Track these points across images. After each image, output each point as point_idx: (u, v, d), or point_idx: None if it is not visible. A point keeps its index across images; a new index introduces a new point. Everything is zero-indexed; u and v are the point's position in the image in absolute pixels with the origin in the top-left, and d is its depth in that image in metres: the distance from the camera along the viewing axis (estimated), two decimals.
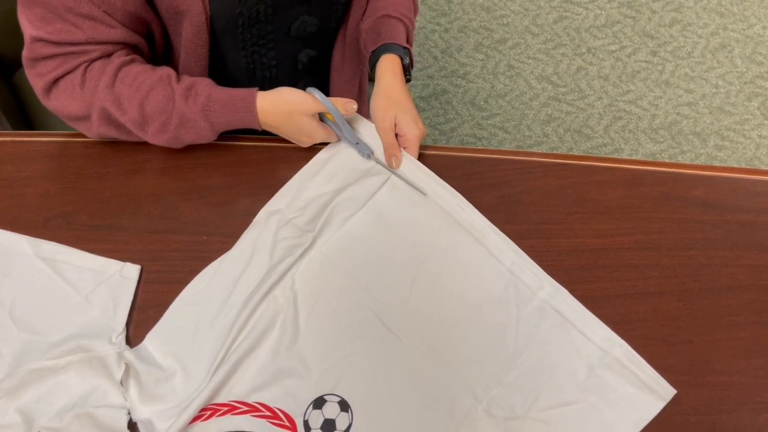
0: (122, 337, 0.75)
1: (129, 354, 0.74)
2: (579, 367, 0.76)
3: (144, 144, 0.85)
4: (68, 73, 0.77)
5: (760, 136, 1.89)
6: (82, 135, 0.87)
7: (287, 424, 0.71)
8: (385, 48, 0.89)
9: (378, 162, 0.86)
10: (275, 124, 0.83)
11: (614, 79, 1.94)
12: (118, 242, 0.80)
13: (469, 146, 1.78)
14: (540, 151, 1.78)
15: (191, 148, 0.86)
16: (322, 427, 0.71)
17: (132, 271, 0.78)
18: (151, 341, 0.75)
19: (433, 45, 1.96)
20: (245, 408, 0.71)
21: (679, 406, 0.75)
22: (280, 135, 0.86)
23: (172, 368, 0.73)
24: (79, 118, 0.80)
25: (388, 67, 0.88)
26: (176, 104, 0.79)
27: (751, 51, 2.03)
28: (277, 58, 0.91)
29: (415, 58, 1.93)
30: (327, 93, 1.05)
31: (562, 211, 0.86)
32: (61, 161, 0.86)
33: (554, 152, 1.79)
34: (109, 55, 0.79)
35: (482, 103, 1.87)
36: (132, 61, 0.80)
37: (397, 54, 0.89)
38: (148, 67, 0.80)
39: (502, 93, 1.89)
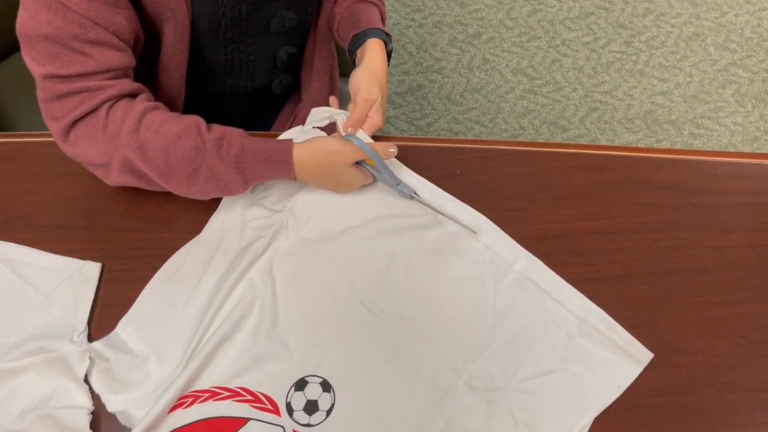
0: (84, 336, 0.74)
1: (99, 344, 0.73)
2: (557, 336, 0.77)
3: None
4: (87, 114, 0.72)
5: (734, 123, 1.90)
6: (41, 135, 0.87)
7: (269, 407, 0.72)
8: (371, 32, 0.89)
9: (422, 202, 0.83)
10: (311, 176, 0.80)
11: (589, 71, 1.95)
12: (80, 242, 0.80)
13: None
14: None
15: None
16: (304, 409, 0.72)
17: (93, 269, 0.78)
18: (123, 328, 0.75)
19: (407, 41, 1.96)
20: (227, 393, 0.72)
21: (646, 388, 0.76)
22: (314, 185, 0.84)
23: (146, 354, 0.73)
24: (98, 165, 0.76)
25: (377, 49, 0.88)
26: (207, 155, 0.74)
27: (724, 39, 2.04)
28: (255, 54, 0.91)
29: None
30: (299, 89, 1.05)
31: (526, 198, 0.87)
32: (21, 162, 0.85)
33: (517, 140, 1.80)
34: (132, 96, 0.75)
35: (458, 97, 1.87)
36: (156, 108, 0.75)
37: (381, 39, 0.89)
38: (174, 114, 0.76)
39: (477, 87, 1.89)
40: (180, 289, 0.77)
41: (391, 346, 0.76)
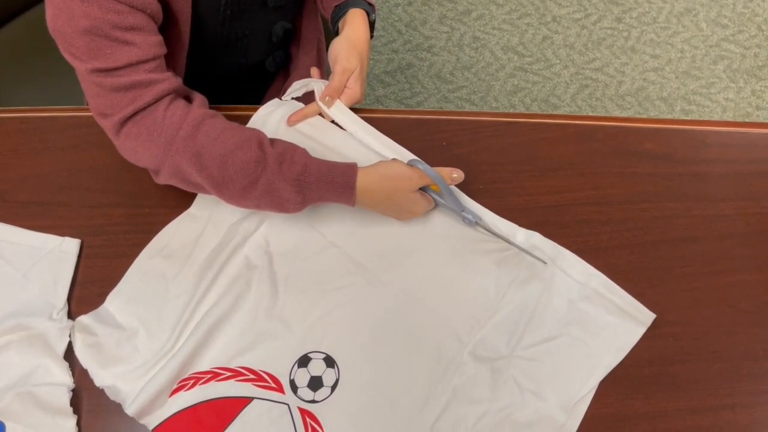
0: (63, 313, 0.73)
1: (86, 318, 0.73)
2: (559, 302, 0.77)
3: (82, 117, 0.82)
4: (140, 111, 0.69)
5: (726, 99, 1.89)
6: (17, 111, 0.85)
7: (273, 385, 0.71)
8: (353, 2, 0.87)
9: (486, 229, 0.80)
10: (374, 202, 0.77)
11: (580, 47, 1.93)
12: (58, 218, 0.78)
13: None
14: None
15: None
16: (309, 385, 0.72)
17: (72, 245, 0.76)
18: (112, 302, 0.74)
19: (397, 19, 1.94)
20: (229, 373, 0.71)
21: (633, 359, 0.75)
22: (375, 212, 0.80)
23: (134, 328, 0.73)
24: (148, 167, 0.74)
25: (358, 18, 0.86)
26: (267, 169, 0.71)
27: (716, 14, 2.02)
28: (251, 29, 0.90)
29: (379, 33, 1.91)
30: (288, 64, 1.03)
31: (512, 170, 0.86)
32: None
33: (503, 111, 1.79)
34: (178, 92, 0.73)
35: (448, 75, 1.85)
36: (215, 116, 0.73)
37: (364, 9, 0.87)
38: (234, 124, 0.74)
39: (467, 65, 1.87)
40: (169, 263, 0.76)
41: (393, 318, 0.75)
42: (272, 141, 0.74)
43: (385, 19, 1.93)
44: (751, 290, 0.80)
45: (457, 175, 0.78)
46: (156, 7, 0.69)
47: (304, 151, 0.74)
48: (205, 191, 0.74)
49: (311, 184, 0.73)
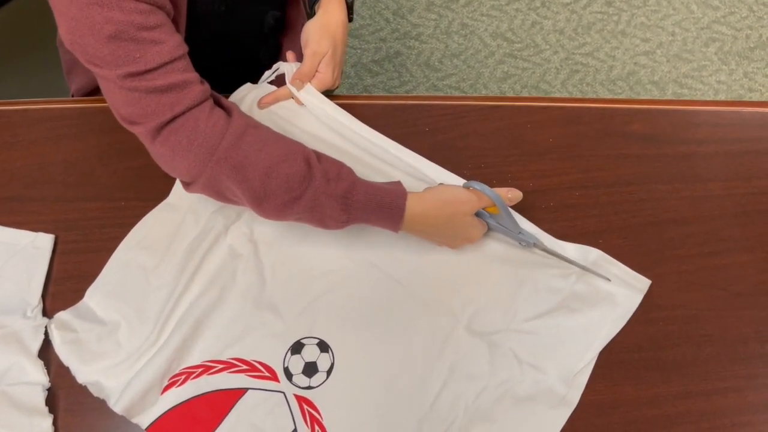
0: (38, 311, 0.72)
1: (65, 314, 0.71)
2: (555, 275, 0.76)
3: (54, 109, 0.81)
4: (177, 117, 0.65)
5: (718, 82, 1.87)
6: None
7: (266, 374, 0.70)
8: None
9: (544, 249, 0.77)
10: (428, 230, 0.73)
11: (570, 32, 1.91)
12: (31, 213, 0.77)
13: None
14: None
15: (106, 109, 0.81)
16: (303, 372, 0.71)
17: (45, 241, 0.75)
18: (91, 297, 0.73)
19: (384, 7, 1.91)
20: (221, 366, 0.70)
21: (623, 344, 0.74)
22: (425, 239, 0.76)
23: (115, 322, 0.71)
24: (181, 178, 0.70)
25: (334, 1, 0.83)
26: (312, 184, 0.67)
27: None
28: (244, 21, 0.89)
29: (366, 21, 1.88)
30: (278, 53, 1.01)
31: (498, 154, 0.84)
32: None
33: (487, 95, 1.77)
34: (216, 102, 0.69)
35: (437, 63, 1.83)
36: (258, 126, 0.70)
37: None
38: (279, 135, 0.70)
39: (456, 52, 1.85)
40: (149, 254, 0.75)
41: (385, 299, 0.74)
42: (318, 156, 0.70)
43: (372, 8, 1.91)
44: (743, 272, 0.78)
45: (513, 195, 0.74)
46: (170, 5, 0.66)
47: (350, 170, 0.71)
48: (239, 204, 0.71)
49: (359, 203, 0.69)
